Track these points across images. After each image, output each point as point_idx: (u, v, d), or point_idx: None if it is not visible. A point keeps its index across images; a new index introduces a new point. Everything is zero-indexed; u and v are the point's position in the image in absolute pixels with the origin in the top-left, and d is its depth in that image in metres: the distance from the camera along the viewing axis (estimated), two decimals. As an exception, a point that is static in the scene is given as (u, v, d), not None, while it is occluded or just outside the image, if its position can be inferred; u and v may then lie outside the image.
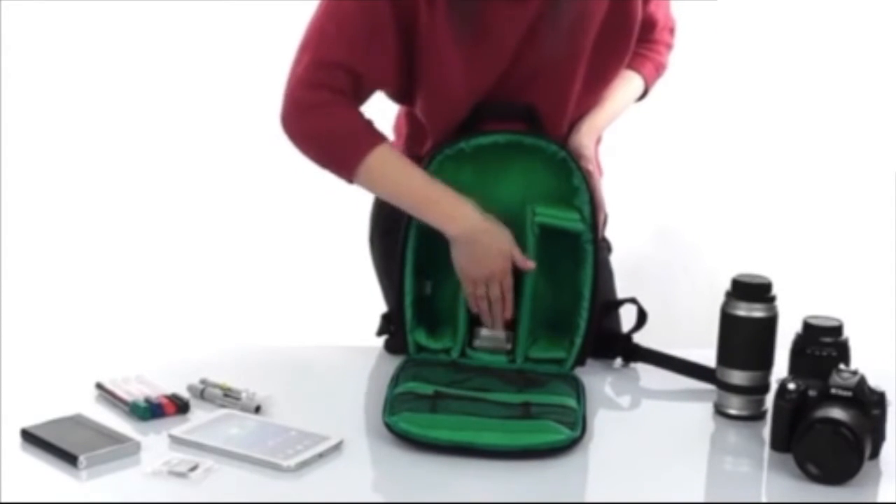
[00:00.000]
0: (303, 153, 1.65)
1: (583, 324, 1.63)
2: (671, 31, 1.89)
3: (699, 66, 2.62)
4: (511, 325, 1.66)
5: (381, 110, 1.72)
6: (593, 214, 1.64)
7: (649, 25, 1.80)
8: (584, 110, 1.74)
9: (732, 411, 1.51)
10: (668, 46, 1.88)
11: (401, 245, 1.65)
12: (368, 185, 1.67)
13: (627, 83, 1.81)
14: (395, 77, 1.64)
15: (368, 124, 1.64)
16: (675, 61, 1.90)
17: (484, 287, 1.63)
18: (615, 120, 1.80)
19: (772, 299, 1.49)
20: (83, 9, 2.92)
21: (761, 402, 1.51)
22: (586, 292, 1.64)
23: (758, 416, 1.50)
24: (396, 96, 1.73)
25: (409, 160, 1.67)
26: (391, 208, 1.69)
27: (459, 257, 1.63)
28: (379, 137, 1.64)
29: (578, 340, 1.63)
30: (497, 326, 1.66)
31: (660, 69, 1.87)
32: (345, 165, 1.62)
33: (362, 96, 1.65)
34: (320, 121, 1.62)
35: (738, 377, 1.50)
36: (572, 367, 1.64)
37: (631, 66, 1.80)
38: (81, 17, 2.94)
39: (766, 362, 1.50)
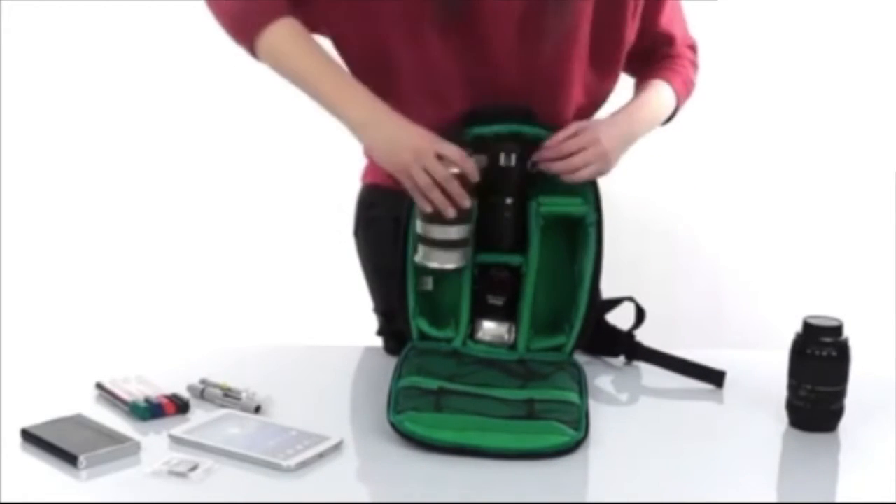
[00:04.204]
0: (218, 23, 1.62)
1: (583, 305, 1.62)
2: (692, 48, 1.86)
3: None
4: (513, 318, 1.65)
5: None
6: (596, 196, 1.63)
7: (667, 41, 1.79)
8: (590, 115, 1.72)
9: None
10: (693, 64, 1.85)
11: (402, 234, 1.63)
12: (270, 63, 1.60)
13: (656, 90, 1.77)
14: (340, 20, 1.61)
15: (280, 2, 1.58)
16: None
17: (422, 174, 1.53)
18: (647, 126, 1.75)
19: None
20: (83, 9, 2.92)
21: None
22: (587, 273, 1.62)
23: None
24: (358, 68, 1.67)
25: (314, 41, 1.60)
26: (373, 199, 1.67)
27: (373, 147, 1.58)
28: (284, 11, 1.57)
29: (578, 323, 1.62)
30: (450, 215, 1.55)
31: (688, 84, 1.82)
32: (244, 35, 1.58)
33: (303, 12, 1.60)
34: None
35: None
36: (572, 351, 1.63)
37: (659, 79, 1.78)
38: (81, 16, 2.94)
39: None
